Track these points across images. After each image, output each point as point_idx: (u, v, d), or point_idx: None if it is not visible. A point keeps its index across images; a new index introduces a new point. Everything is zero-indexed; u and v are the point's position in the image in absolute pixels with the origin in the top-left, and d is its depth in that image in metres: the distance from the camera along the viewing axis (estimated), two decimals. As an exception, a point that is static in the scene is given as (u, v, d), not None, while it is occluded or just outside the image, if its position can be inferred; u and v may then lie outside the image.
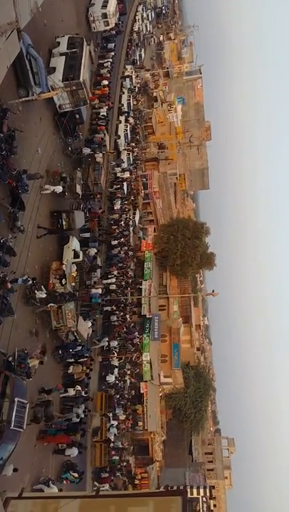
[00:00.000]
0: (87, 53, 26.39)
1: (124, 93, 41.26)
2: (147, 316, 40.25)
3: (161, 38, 72.53)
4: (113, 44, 36.68)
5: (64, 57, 24.74)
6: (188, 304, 55.52)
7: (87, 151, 28.39)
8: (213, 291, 35.43)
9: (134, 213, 41.60)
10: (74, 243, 24.11)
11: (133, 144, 41.57)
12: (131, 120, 41.81)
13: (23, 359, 16.48)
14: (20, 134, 18.49)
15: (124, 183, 36.49)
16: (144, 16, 57.19)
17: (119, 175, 36.41)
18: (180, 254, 46.31)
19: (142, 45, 54.54)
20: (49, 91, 22.15)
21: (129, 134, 40.20)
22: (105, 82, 33.04)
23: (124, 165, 37.54)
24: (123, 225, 36.15)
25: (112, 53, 36.06)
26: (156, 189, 48.92)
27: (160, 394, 43.04)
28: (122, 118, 39.72)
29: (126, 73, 42.78)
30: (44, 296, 18.92)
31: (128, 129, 39.85)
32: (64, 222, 23.34)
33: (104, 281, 30.13)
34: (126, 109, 40.81)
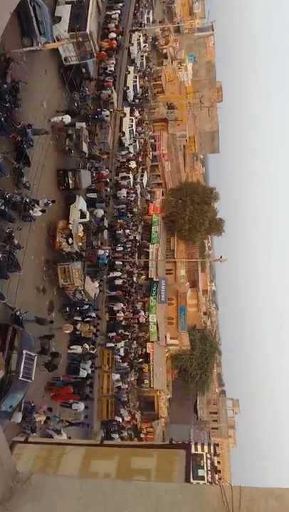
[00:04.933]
0: (94, 3, 25.11)
1: (132, 44, 39.20)
2: (154, 280, 40.42)
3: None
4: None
5: (70, 5, 23.55)
6: (195, 268, 55.53)
7: (106, 113, 27.73)
8: (221, 257, 35.28)
9: (142, 175, 40.90)
10: (80, 203, 23.85)
11: (137, 115, 39.00)
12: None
13: (30, 412, 16.12)
14: (24, 86, 17.89)
15: (130, 174, 35.11)
16: None
17: (124, 160, 35.11)
18: (188, 219, 45.86)
19: (150, 6, 51.58)
20: (54, 41, 21.24)
21: (138, 87, 38.73)
22: (113, 35, 31.62)
23: (131, 149, 36.00)
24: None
25: (121, 4, 34.31)
26: (164, 151, 47.85)
27: (166, 354, 43.91)
28: (132, 69, 38.30)
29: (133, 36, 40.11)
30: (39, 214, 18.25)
31: (137, 81, 38.30)
32: (70, 181, 22.99)
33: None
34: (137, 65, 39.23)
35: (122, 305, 30.93)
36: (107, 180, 29.74)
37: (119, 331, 30.01)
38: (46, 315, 19.30)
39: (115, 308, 30.10)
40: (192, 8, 77.46)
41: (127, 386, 31.30)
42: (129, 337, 32.55)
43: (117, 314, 30.28)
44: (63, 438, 17.67)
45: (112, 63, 30.51)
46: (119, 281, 31.13)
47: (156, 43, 53.05)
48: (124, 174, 33.98)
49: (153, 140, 45.51)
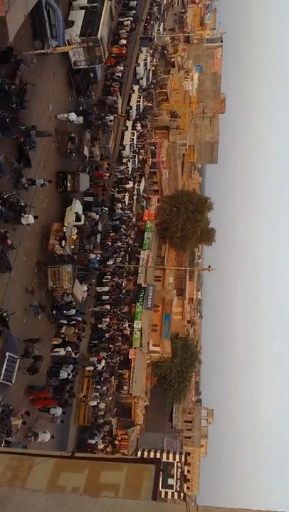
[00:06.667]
0: (107, 9, 25.29)
1: (139, 65, 39.22)
2: (142, 286, 40.62)
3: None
4: (135, 2, 35.07)
5: (84, 11, 23.76)
6: (183, 276, 55.87)
7: (110, 118, 27.80)
8: (209, 266, 35.69)
9: (140, 182, 41.09)
10: (77, 206, 23.91)
11: (139, 129, 39.03)
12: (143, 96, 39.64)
13: (7, 415, 15.86)
14: (32, 88, 17.95)
15: (127, 194, 34.95)
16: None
17: (122, 177, 34.88)
18: (181, 227, 46.31)
19: (162, 17, 51.71)
20: (65, 45, 21.39)
21: (141, 107, 38.75)
22: (123, 42, 31.82)
23: (129, 167, 35.88)
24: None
25: (133, 11, 34.54)
26: (164, 158, 48.17)
27: (147, 361, 44.09)
28: (136, 88, 38.32)
29: (140, 56, 39.76)
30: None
31: (141, 101, 38.27)
32: (69, 184, 23.09)
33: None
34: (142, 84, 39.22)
35: (108, 319, 30.71)
36: (105, 184, 29.85)
37: (103, 354, 29.78)
38: (33, 317, 19.33)
39: (100, 326, 29.92)
40: (203, 19, 78.14)
41: (104, 405, 30.91)
42: (112, 350, 32.46)
43: (103, 328, 30.16)
44: (47, 437, 17.74)
45: (120, 70, 30.68)
46: (106, 297, 30.84)
47: (165, 51, 53.37)
48: (120, 195, 33.84)
49: (153, 147, 45.78)
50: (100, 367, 28.86)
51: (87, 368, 27.71)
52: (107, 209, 29.67)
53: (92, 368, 27.95)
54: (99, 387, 29.10)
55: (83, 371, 27.32)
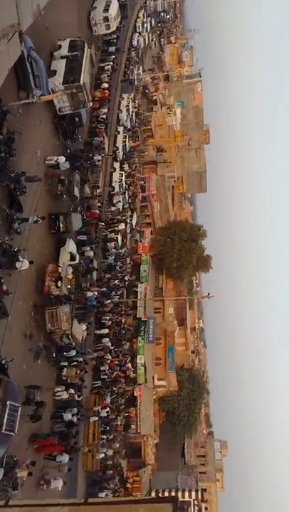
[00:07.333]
0: (88, 56, 26.50)
1: (122, 111, 40.35)
2: (142, 319, 40.30)
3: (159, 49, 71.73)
4: (114, 47, 36.80)
5: (65, 60, 24.83)
6: (183, 306, 55.54)
7: (98, 158, 28.54)
8: (208, 293, 35.61)
9: (132, 216, 41.67)
10: (71, 246, 24.14)
11: (126, 169, 39.85)
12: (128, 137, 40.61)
13: (12, 467, 15.30)
14: (19, 136, 18.53)
15: (119, 235, 35.20)
16: (145, 21, 56.19)
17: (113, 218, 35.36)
18: (176, 257, 46.50)
19: (140, 61, 53.84)
20: (49, 93, 22.22)
21: (127, 147, 39.69)
22: (105, 85, 33.12)
23: (120, 203, 36.44)
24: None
25: (113, 56, 36.16)
26: (154, 192, 49.03)
27: (154, 397, 43.07)
28: (121, 129, 39.35)
29: (122, 103, 40.85)
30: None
31: (126, 141, 39.15)
32: (61, 225, 23.39)
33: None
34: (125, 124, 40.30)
35: (107, 366, 30.22)
36: (98, 222, 30.23)
37: (108, 399, 29.29)
38: (32, 362, 19.05)
39: (102, 368, 29.55)
40: (181, 57, 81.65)
41: (112, 452, 29.98)
42: (116, 392, 31.83)
43: (102, 374, 29.71)
44: (60, 483, 17.40)
45: (104, 112, 31.78)
46: (106, 340, 30.45)
47: (147, 90, 55.48)
48: (112, 236, 34.13)
49: (142, 182, 46.72)
50: (103, 413, 28.07)
51: (92, 419, 26.90)
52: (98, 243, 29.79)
53: (96, 418, 27.15)
54: (105, 436, 28.33)
55: (88, 423, 26.60)
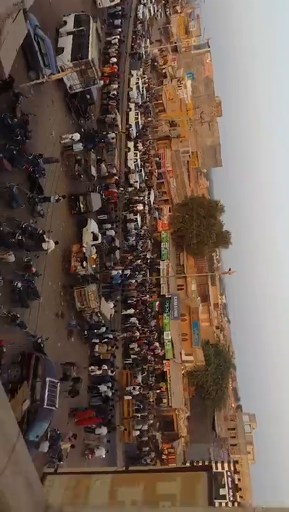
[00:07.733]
0: (94, 31, 25.84)
1: (132, 89, 39.49)
2: (166, 296, 40.46)
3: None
4: (119, 20, 35.83)
5: (71, 36, 24.27)
6: (205, 282, 55.49)
7: (112, 135, 28.22)
8: (230, 269, 35.33)
9: (149, 193, 41.34)
10: (92, 225, 24.18)
11: (141, 148, 39.00)
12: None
13: (56, 440, 16.07)
14: (33, 118, 18.37)
15: (138, 215, 35.04)
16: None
17: (133, 201, 35.07)
18: (196, 233, 46.21)
19: (147, 33, 52.24)
20: (59, 72, 21.87)
21: (140, 123, 38.95)
22: (114, 60, 32.42)
23: (137, 181, 36.00)
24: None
25: (119, 29, 35.25)
26: (169, 168, 48.47)
27: (182, 372, 43.57)
28: (132, 105, 38.54)
29: (131, 80, 39.82)
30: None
31: (139, 118, 38.44)
32: (82, 205, 23.39)
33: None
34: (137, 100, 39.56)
35: (136, 344, 30.62)
36: (116, 201, 30.11)
37: (139, 378, 29.78)
38: (66, 340, 19.40)
39: (131, 346, 30.02)
40: (188, 27, 79.09)
41: (147, 427, 30.58)
42: (146, 369, 32.28)
43: (132, 352, 30.13)
44: (103, 451, 18.55)
45: (115, 88, 31.20)
46: (133, 319, 30.82)
47: (156, 63, 54.16)
48: (132, 216, 34.00)
49: (158, 158, 46.12)
50: (135, 392, 28.62)
51: (126, 398, 27.56)
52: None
53: (130, 397, 27.74)
54: (139, 414, 28.95)
55: (122, 401, 27.24)
